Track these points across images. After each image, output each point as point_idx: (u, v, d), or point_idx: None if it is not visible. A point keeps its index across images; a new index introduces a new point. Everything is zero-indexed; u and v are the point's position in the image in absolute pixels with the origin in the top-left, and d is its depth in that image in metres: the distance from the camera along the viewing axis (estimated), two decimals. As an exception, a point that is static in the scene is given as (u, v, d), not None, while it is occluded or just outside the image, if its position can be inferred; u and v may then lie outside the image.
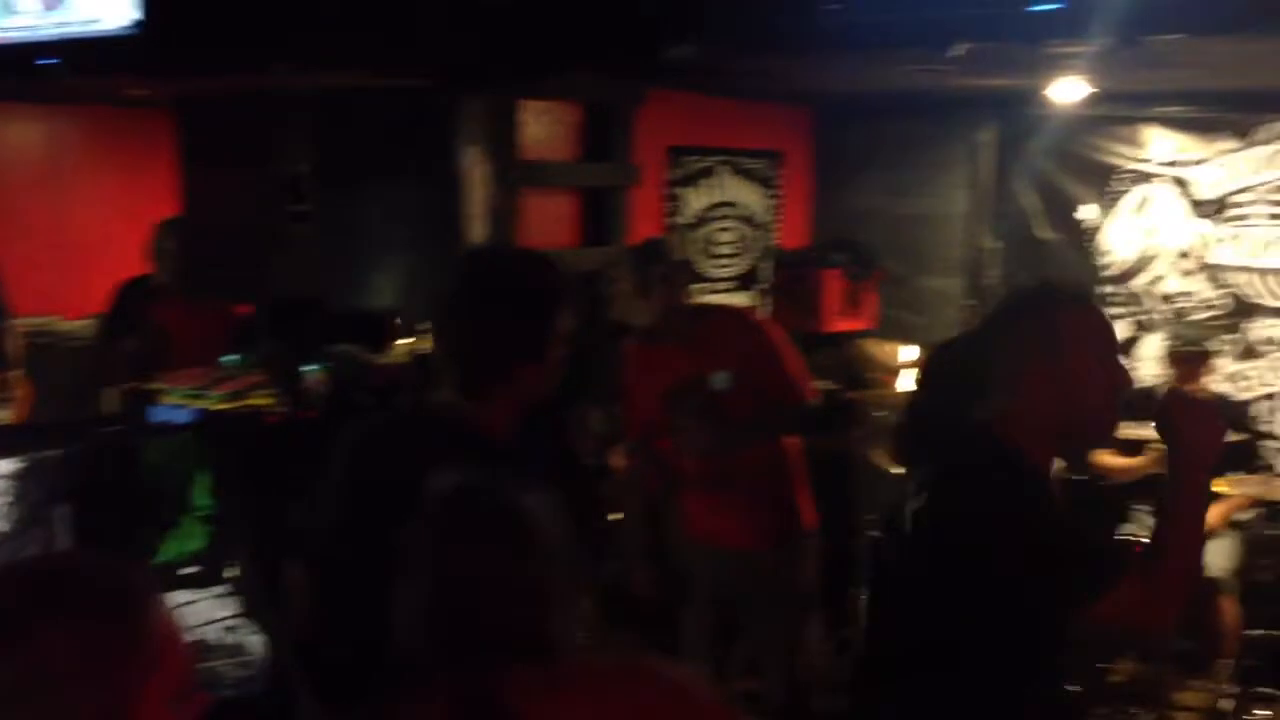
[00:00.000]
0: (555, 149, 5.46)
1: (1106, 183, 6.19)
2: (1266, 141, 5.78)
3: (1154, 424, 2.16)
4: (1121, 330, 6.19)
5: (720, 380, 3.77)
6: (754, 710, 4.12)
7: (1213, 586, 5.02)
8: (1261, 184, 5.81)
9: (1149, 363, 6.06)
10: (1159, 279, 6.10)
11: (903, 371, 6.15)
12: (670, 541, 4.36)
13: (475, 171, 4.78)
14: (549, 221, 5.35)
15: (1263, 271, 5.85)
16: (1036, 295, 2.35)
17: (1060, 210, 6.33)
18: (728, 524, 3.93)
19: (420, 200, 5.05)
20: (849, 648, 5.42)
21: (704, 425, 3.74)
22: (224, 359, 4.13)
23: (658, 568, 4.18)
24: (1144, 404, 4.35)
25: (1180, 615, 2.19)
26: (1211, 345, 5.55)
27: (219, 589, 3.08)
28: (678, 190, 6.13)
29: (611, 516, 4.36)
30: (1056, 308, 2.25)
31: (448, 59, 4.44)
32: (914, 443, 5.07)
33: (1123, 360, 2.32)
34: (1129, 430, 4.82)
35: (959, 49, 3.87)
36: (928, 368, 5.04)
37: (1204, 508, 2.23)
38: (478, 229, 4.88)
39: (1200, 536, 2.19)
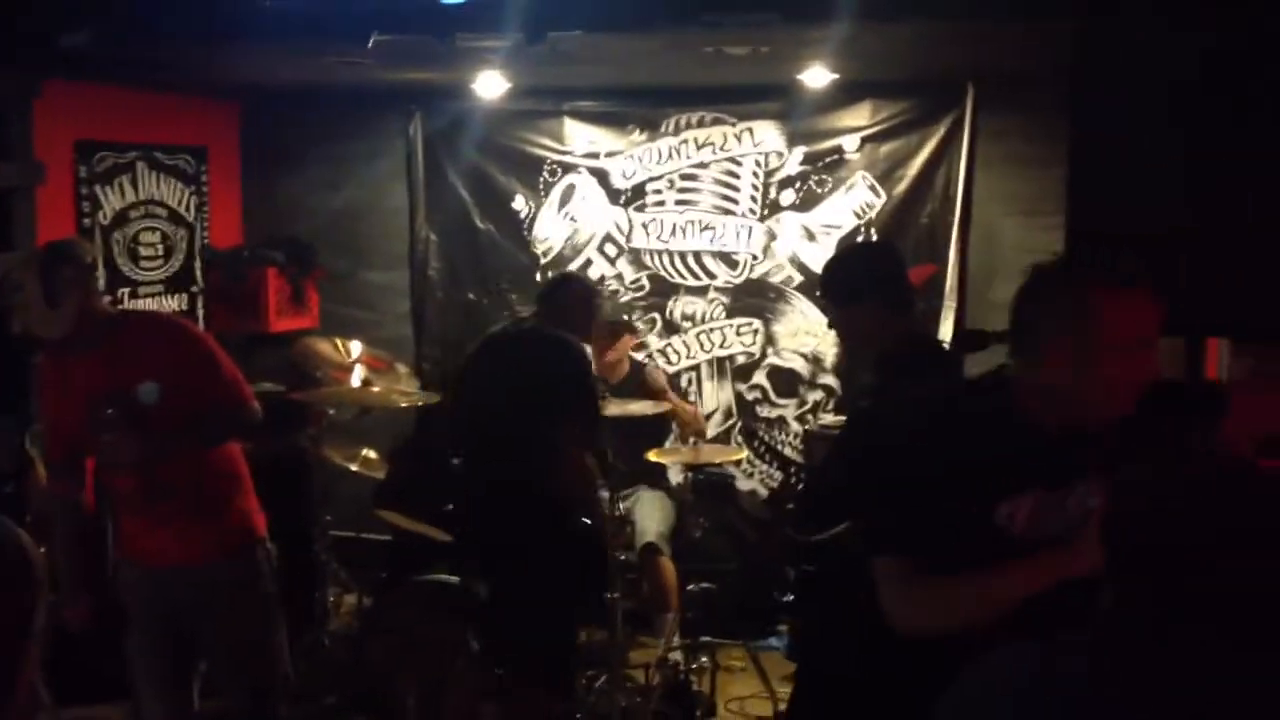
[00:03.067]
0: (-61, 146, 4.88)
1: (535, 174, 6.43)
2: (671, 133, 6.25)
3: None
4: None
5: (147, 392, 3.54)
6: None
7: (653, 548, 5.37)
8: (668, 173, 6.29)
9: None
10: (588, 264, 6.44)
11: (355, 368, 6.07)
12: (109, 565, 4.05)
13: None
14: (-64, 227, 4.78)
15: (676, 253, 6.33)
16: None
17: (494, 201, 6.50)
18: (169, 541, 3.69)
19: None
20: (318, 651, 5.31)
21: (131, 438, 3.49)
22: None
23: (95, 596, 3.86)
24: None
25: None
26: (630, 320, 5.94)
27: None
28: (92, 189, 5.67)
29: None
30: None
31: None
32: None
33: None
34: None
35: (374, 41, 3.85)
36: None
37: None
38: None
39: None
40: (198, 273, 6.37)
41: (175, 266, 6.22)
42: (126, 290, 5.83)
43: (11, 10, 4.03)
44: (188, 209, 6.27)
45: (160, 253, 6.09)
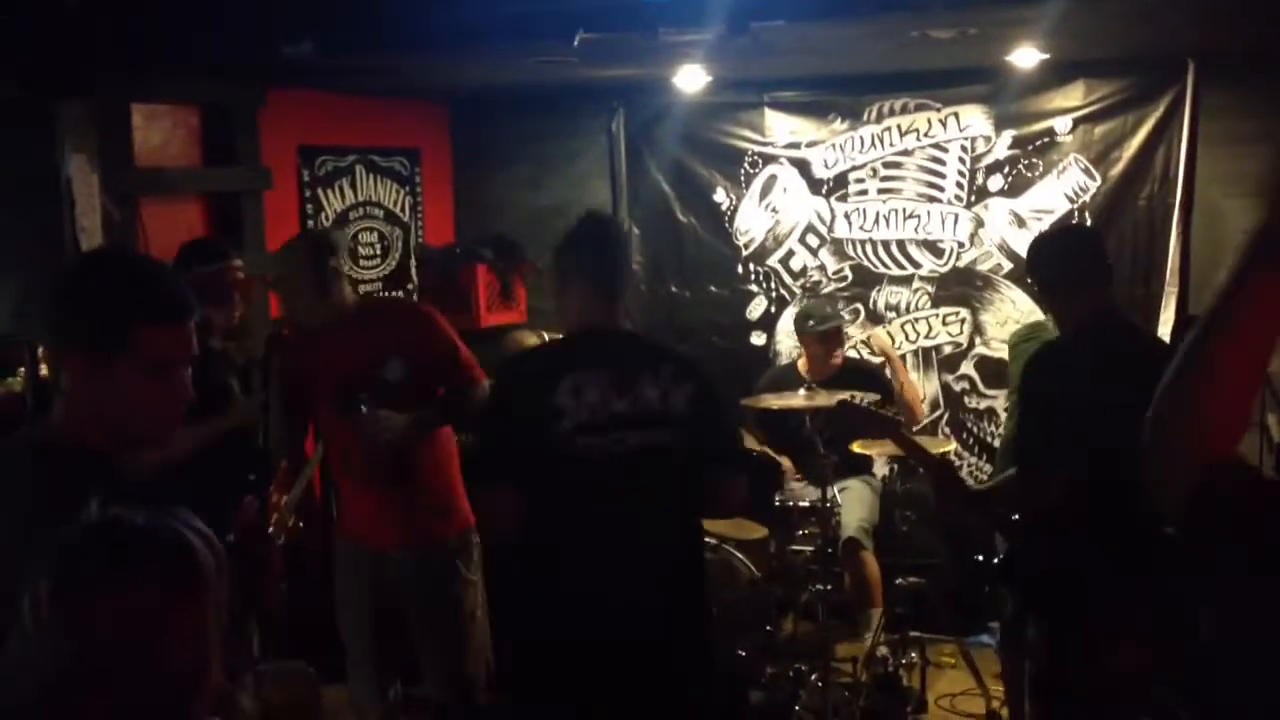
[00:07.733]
0: (176, 154, 5.17)
1: (736, 166, 6.42)
2: (873, 121, 6.16)
3: None
4: (761, 306, 6.47)
5: (393, 369, 3.73)
6: (420, 714, 4.05)
7: (854, 543, 5.32)
8: (871, 162, 6.20)
9: (786, 336, 6.36)
10: (790, 255, 6.40)
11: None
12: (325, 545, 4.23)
13: (83, 182, 4.45)
14: (174, 231, 5.05)
15: (880, 242, 6.24)
16: None
17: (696, 194, 6.52)
18: (391, 522, 3.84)
19: (26, 216, 4.65)
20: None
21: (392, 416, 3.68)
22: None
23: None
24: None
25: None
26: (841, 317, 5.88)
27: None
28: (315, 191, 5.93)
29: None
30: None
31: (39, 61, 4.11)
32: None
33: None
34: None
35: (580, 40, 3.91)
36: None
37: None
38: (93, 243, 4.54)
39: None
40: (413, 271, 6.58)
41: (392, 265, 6.44)
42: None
43: (238, 25, 4.23)
44: (403, 209, 6.49)
45: (378, 252, 6.31)
